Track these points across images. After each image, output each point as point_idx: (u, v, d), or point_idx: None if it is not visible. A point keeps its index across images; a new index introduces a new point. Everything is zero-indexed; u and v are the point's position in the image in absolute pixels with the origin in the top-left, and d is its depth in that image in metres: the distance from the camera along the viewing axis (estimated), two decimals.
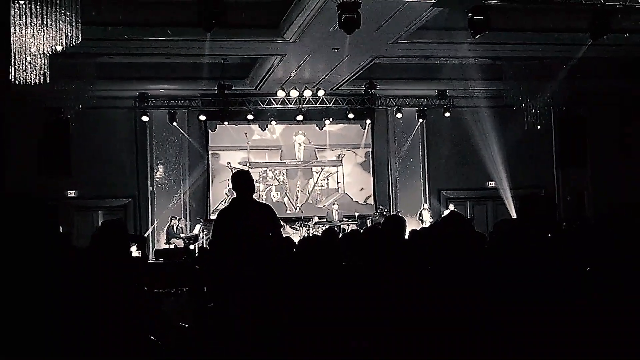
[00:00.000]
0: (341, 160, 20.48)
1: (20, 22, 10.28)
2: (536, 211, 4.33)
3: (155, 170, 19.12)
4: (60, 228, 16.74)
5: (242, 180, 6.65)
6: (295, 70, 16.64)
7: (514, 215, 18.26)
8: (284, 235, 8.99)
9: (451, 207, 18.91)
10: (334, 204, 19.66)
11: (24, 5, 10.15)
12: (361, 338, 4.01)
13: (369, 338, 3.99)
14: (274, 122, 19.52)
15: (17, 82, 10.96)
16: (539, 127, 17.79)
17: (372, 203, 20.36)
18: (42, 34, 10.54)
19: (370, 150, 20.60)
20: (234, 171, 19.18)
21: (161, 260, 16.06)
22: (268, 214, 6.62)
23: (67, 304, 2.74)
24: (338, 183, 20.50)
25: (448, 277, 4.14)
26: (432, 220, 18.50)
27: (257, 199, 20.35)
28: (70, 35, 10.53)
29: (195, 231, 18.30)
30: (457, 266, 4.19)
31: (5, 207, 2.71)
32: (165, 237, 18.20)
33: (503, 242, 4.55)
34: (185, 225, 18.75)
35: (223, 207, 7.29)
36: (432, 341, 3.86)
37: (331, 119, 19.54)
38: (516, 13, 13.76)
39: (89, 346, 2.86)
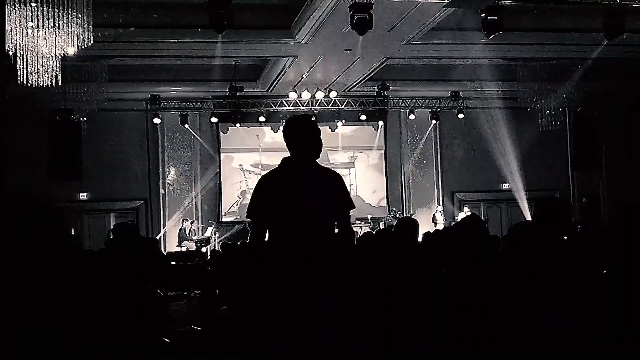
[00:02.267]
0: (354, 162, 20.42)
1: (32, 24, 10.30)
2: (552, 213, 4.26)
3: (167, 173, 19.15)
4: (72, 231, 16.90)
5: (301, 131, 4.33)
6: (307, 72, 16.60)
7: (529, 217, 18.13)
8: None
9: (466, 209, 18.78)
10: None
11: (36, 8, 10.17)
12: (367, 340, 3.97)
13: (375, 340, 3.96)
14: None
15: (29, 84, 10.99)
16: (558, 122, 17.70)
17: (385, 205, 20.27)
18: (54, 36, 10.56)
19: (383, 152, 20.52)
20: (245, 174, 19.55)
21: (173, 263, 16.04)
22: (336, 189, 4.33)
23: (75, 306, 2.70)
24: (350, 185, 20.41)
25: (462, 280, 4.10)
26: (445, 222, 18.41)
27: None
28: (81, 37, 10.55)
29: (207, 234, 18.29)
30: (471, 269, 4.15)
31: (12, 208, 2.65)
32: (177, 240, 18.19)
33: (518, 244, 4.52)
34: (197, 227, 18.75)
35: (267, 172, 4.54)
36: (441, 343, 3.83)
37: (343, 121, 19.48)
38: (530, 13, 13.67)
39: (96, 348, 2.82)
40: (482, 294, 3.96)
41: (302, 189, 4.16)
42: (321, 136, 4.33)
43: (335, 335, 3.94)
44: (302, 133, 4.31)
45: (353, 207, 4.42)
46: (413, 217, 18.20)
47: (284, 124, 4.48)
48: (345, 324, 4.05)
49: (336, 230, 4.31)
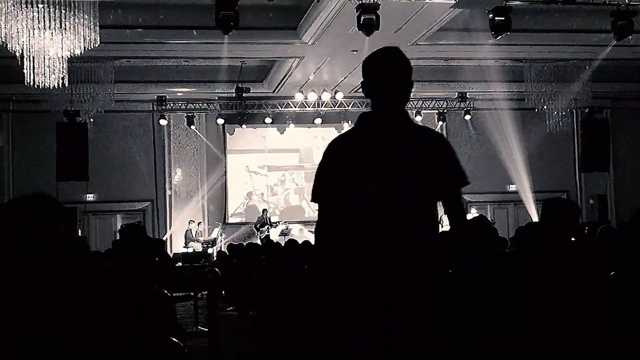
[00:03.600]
0: None
1: (40, 25, 10.34)
2: (559, 214, 4.24)
3: (174, 174, 19.21)
4: (79, 232, 16.93)
5: (386, 68, 3.07)
6: (314, 73, 16.61)
7: (536, 219, 18.08)
8: (302, 240, 8.82)
9: (473, 210, 18.73)
10: None
11: (43, 9, 10.21)
12: (367, 340, 3.96)
13: (375, 340, 3.95)
14: (292, 125, 19.49)
15: (36, 85, 11.02)
16: (566, 124, 17.68)
17: None
18: (61, 37, 10.60)
19: None
20: (252, 175, 19.55)
21: (179, 264, 16.06)
22: (439, 155, 3.08)
23: (83, 306, 2.70)
24: None
25: (468, 281, 4.09)
26: None
27: (275, 203, 20.49)
28: (88, 38, 10.59)
29: (214, 235, 18.34)
30: (477, 270, 4.14)
31: (20, 208, 2.66)
32: (183, 241, 18.23)
33: (525, 245, 4.52)
34: (204, 229, 18.79)
35: (340, 134, 3.41)
36: (445, 344, 3.82)
37: (350, 122, 19.44)
38: (538, 14, 13.63)
39: (103, 350, 2.81)
40: (488, 295, 3.95)
41: (383, 155, 2.86)
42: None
43: (336, 335, 3.91)
44: (387, 71, 3.01)
45: (466, 181, 3.23)
46: None
47: (366, 58, 3.20)
48: (346, 324, 4.03)
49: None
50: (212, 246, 17.85)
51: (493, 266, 4.21)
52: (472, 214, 18.11)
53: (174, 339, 4.04)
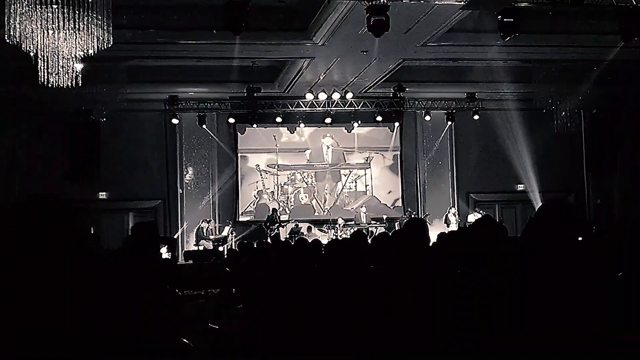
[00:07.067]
0: (369, 163, 20.48)
1: (54, 26, 10.44)
2: (561, 215, 4.25)
3: (185, 173, 19.31)
4: (92, 230, 17.06)
5: None
6: (324, 73, 16.69)
7: None
8: (312, 238, 8.92)
9: (476, 210, 18.73)
10: (362, 207, 19.68)
11: (57, 10, 10.31)
12: (367, 340, 3.97)
13: (375, 340, 3.97)
14: (302, 125, 19.58)
15: (49, 85, 11.12)
16: (573, 124, 17.67)
17: (400, 206, 20.31)
18: (74, 38, 10.70)
19: (399, 153, 20.57)
20: (262, 174, 19.63)
21: (190, 261, 16.20)
22: None
23: (96, 304, 2.77)
24: (366, 186, 20.50)
25: (473, 281, 4.11)
26: (458, 221, 18.44)
27: (285, 202, 20.50)
28: (101, 39, 10.67)
29: (224, 233, 18.43)
30: (483, 270, 4.16)
31: (34, 208, 2.71)
32: (194, 239, 18.35)
33: (531, 246, 4.50)
34: (214, 227, 18.89)
35: None
36: (446, 344, 3.82)
37: (359, 122, 19.55)
38: (546, 15, 13.63)
39: (116, 347, 2.89)
40: (492, 294, 3.97)
41: None
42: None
43: (336, 335, 3.93)
44: None
45: None
46: (428, 217, 18.26)
47: None
48: (346, 324, 4.03)
49: None
50: (222, 244, 17.94)
51: (498, 266, 4.22)
52: (474, 214, 18.16)
53: (184, 340, 4.14)
